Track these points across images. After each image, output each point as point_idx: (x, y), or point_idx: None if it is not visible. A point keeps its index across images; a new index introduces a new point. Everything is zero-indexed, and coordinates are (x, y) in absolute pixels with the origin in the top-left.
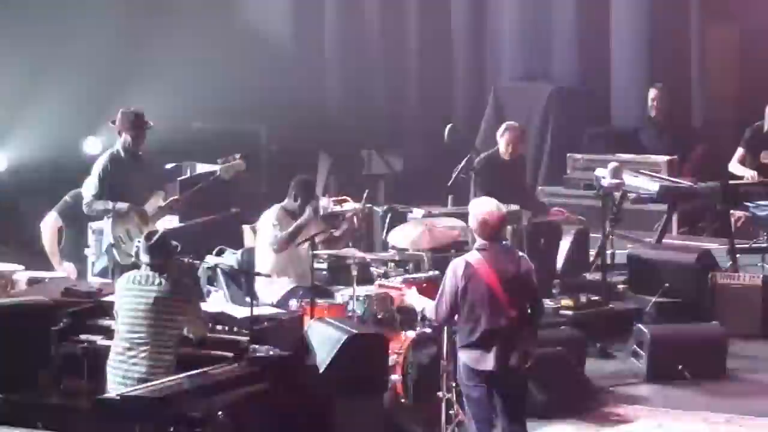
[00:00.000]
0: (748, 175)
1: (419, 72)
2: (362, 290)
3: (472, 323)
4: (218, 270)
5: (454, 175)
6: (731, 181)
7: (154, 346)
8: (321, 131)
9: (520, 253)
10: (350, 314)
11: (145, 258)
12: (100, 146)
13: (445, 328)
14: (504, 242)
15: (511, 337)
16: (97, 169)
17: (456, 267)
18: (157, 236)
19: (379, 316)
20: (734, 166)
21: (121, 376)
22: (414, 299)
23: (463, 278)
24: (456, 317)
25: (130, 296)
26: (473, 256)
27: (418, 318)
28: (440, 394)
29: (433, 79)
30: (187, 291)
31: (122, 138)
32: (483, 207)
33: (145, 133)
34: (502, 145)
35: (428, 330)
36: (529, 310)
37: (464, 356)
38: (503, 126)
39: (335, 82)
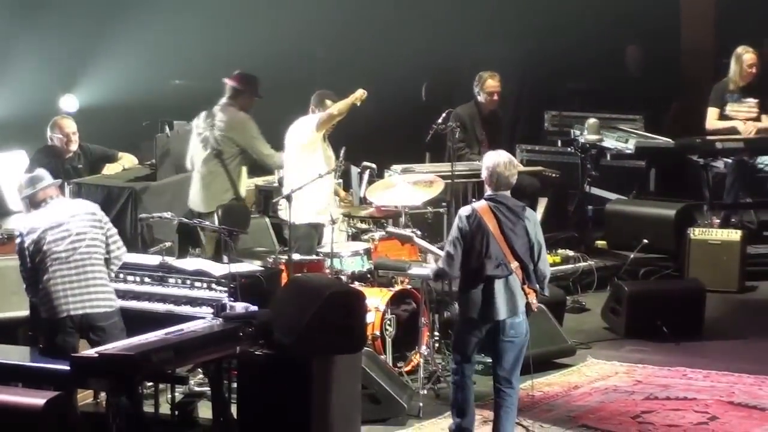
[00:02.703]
0: (740, 126)
1: (398, 27)
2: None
3: (474, 271)
4: (198, 227)
5: (431, 131)
6: (708, 137)
7: None
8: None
9: (526, 207)
10: (329, 271)
11: None
12: (77, 104)
13: (424, 284)
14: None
15: (512, 288)
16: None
17: (463, 213)
18: None
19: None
20: (713, 123)
21: None
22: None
23: (468, 224)
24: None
25: None
26: (480, 204)
27: (432, 274)
28: (419, 350)
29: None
30: None
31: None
32: (495, 158)
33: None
34: (482, 95)
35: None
36: (531, 265)
37: (464, 303)
38: (478, 76)
39: (318, 41)
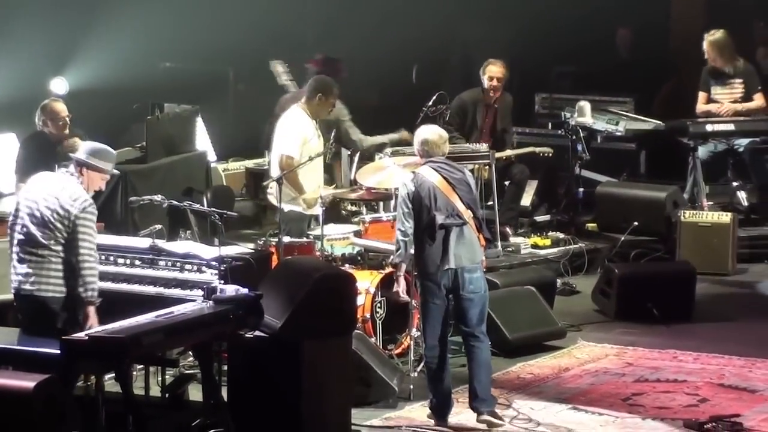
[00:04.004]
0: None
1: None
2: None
3: (427, 225)
4: (188, 210)
5: (421, 114)
6: (698, 119)
7: None
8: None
9: (463, 167)
10: (319, 253)
11: None
12: (67, 87)
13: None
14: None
15: (468, 238)
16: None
17: (405, 180)
18: None
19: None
20: (700, 108)
21: None
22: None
23: (413, 184)
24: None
25: None
26: (420, 169)
27: (394, 258)
28: (409, 332)
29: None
30: None
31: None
32: (427, 129)
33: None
34: (485, 80)
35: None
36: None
37: (422, 261)
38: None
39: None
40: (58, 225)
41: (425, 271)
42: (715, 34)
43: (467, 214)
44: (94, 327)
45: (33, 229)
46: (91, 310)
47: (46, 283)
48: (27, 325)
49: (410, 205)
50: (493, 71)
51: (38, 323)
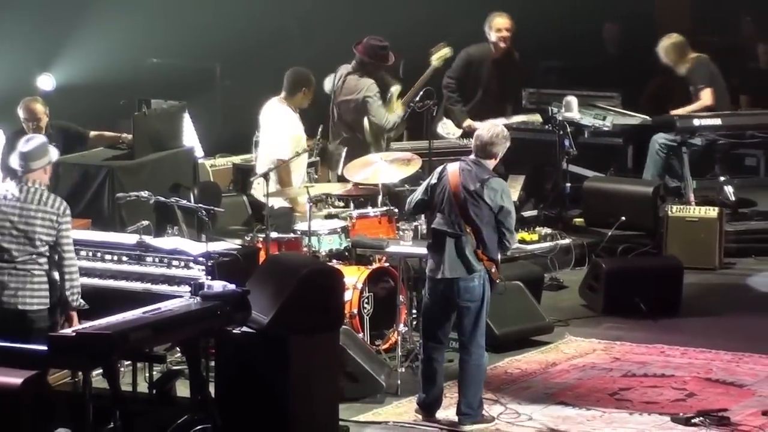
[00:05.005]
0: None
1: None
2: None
3: (430, 224)
4: (175, 206)
5: (408, 109)
6: (683, 113)
7: None
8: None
9: (492, 176)
10: (306, 249)
11: None
12: (54, 83)
13: (402, 262)
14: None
15: (464, 249)
16: None
17: (437, 169)
18: None
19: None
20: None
21: None
22: None
23: (436, 177)
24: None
25: None
26: (453, 164)
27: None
28: (396, 328)
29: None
30: None
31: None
32: (485, 124)
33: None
34: (493, 35)
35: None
36: (486, 231)
37: (428, 255)
38: (488, 17)
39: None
40: (44, 238)
41: (427, 266)
42: (665, 39)
43: (468, 228)
44: None
45: (8, 244)
46: (75, 315)
47: (31, 296)
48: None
49: (427, 191)
50: (500, 23)
51: (17, 335)
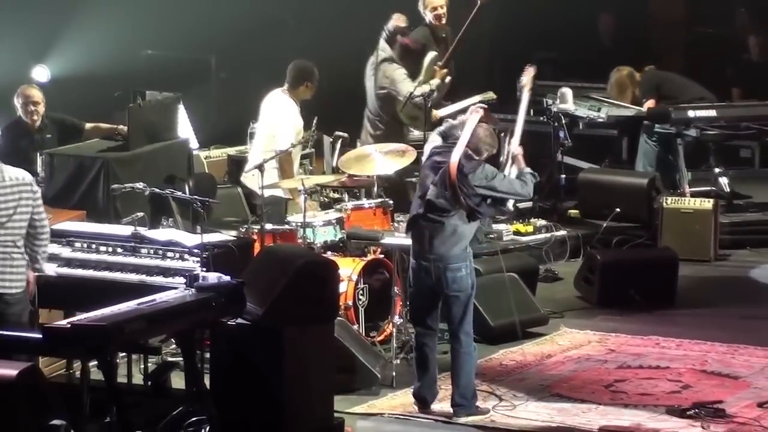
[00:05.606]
0: None
1: None
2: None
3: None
4: (170, 198)
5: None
6: (679, 104)
7: None
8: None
9: (461, 148)
10: (301, 241)
11: None
12: (48, 74)
13: (397, 254)
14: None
15: (431, 232)
16: None
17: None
18: None
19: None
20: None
21: None
22: None
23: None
24: None
25: None
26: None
27: None
28: (391, 319)
29: None
30: None
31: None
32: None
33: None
34: (429, 15)
35: None
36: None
37: None
38: None
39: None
40: (25, 216)
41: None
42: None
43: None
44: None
45: None
46: (34, 278)
47: (10, 280)
48: None
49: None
50: (434, 1)
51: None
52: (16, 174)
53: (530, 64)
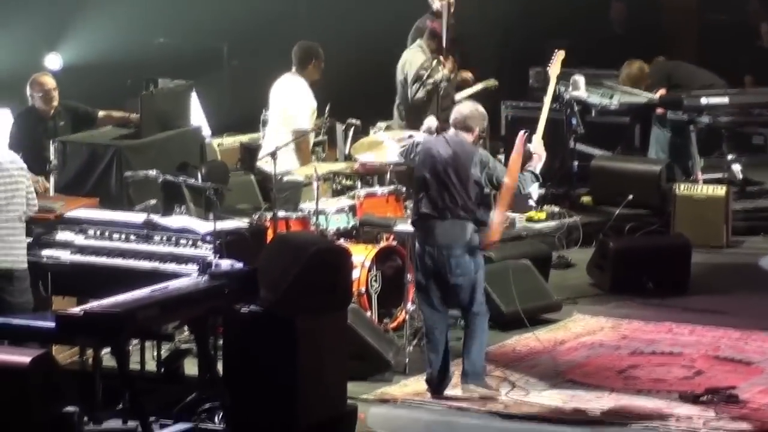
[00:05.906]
0: None
1: None
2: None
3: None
4: (183, 185)
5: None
6: (692, 92)
7: None
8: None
9: (460, 141)
10: (314, 228)
11: None
12: (61, 62)
13: (410, 240)
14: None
15: (432, 224)
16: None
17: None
18: None
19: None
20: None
21: None
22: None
23: (417, 148)
24: None
25: None
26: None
27: None
28: (404, 306)
29: None
30: None
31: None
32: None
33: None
34: (437, 2)
35: None
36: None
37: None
38: None
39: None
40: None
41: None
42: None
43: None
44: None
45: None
46: None
47: (15, 255)
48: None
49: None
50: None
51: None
52: (8, 157)
53: (557, 49)
